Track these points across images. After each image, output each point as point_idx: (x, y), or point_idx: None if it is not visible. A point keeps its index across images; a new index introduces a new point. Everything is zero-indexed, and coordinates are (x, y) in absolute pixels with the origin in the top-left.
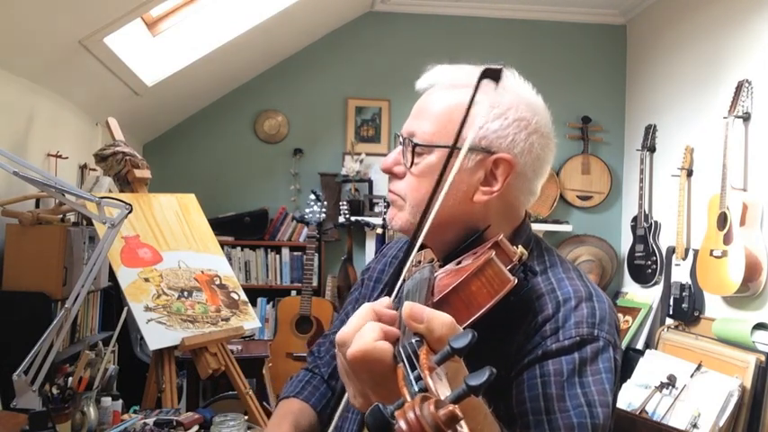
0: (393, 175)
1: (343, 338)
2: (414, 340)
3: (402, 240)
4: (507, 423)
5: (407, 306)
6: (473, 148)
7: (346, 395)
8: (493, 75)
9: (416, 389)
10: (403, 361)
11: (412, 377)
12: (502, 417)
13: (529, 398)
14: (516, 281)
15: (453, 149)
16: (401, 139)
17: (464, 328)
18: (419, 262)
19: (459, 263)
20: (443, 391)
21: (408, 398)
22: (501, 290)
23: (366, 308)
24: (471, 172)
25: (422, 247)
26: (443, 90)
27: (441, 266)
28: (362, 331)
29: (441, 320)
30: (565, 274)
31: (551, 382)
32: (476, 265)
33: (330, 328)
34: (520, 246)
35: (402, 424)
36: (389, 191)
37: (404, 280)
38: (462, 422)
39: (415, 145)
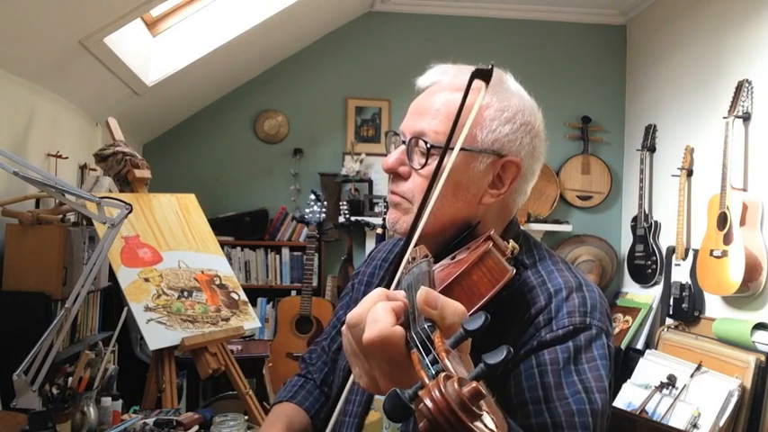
0: (396, 176)
1: (356, 319)
2: (426, 325)
3: (391, 243)
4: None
5: (423, 291)
6: (485, 150)
7: (341, 400)
8: (483, 75)
9: (434, 372)
10: (417, 346)
11: (428, 361)
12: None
13: (527, 388)
14: (514, 271)
15: (464, 150)
16: (403, 139)
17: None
18: (413, 258)
19: (453, 257)
20: (461, 371)
21: (427, 381)
22: (501, 279)
23: (379, 292)
24: (482, 174)
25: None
26: (450, 91)
27: (435, 262)
28: (377, 315)
29: (453, 308)
30: (554, 266)
31: (548, 372)
32: (476, 255)
33: (322, 335)
34: (511, 240)
35: (428, 402)
36: (392, 192)
37: (401, 275)
38: (484, 400)
39: (431, 146)
